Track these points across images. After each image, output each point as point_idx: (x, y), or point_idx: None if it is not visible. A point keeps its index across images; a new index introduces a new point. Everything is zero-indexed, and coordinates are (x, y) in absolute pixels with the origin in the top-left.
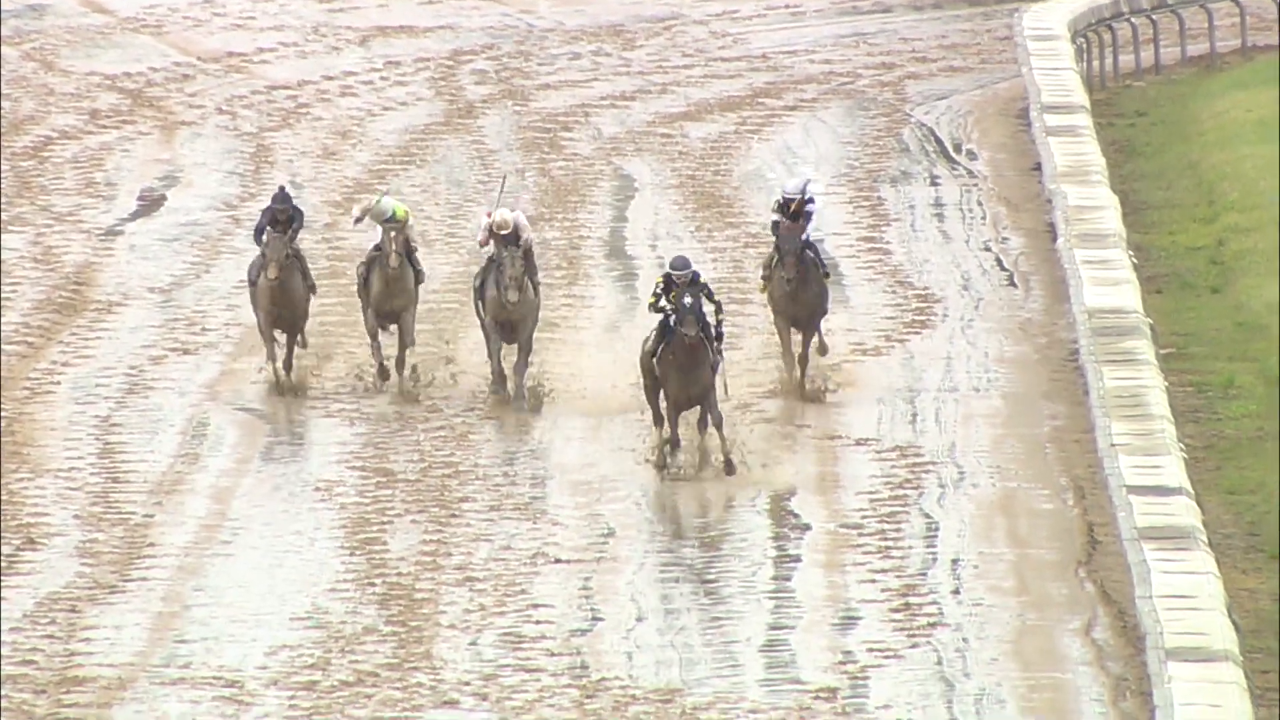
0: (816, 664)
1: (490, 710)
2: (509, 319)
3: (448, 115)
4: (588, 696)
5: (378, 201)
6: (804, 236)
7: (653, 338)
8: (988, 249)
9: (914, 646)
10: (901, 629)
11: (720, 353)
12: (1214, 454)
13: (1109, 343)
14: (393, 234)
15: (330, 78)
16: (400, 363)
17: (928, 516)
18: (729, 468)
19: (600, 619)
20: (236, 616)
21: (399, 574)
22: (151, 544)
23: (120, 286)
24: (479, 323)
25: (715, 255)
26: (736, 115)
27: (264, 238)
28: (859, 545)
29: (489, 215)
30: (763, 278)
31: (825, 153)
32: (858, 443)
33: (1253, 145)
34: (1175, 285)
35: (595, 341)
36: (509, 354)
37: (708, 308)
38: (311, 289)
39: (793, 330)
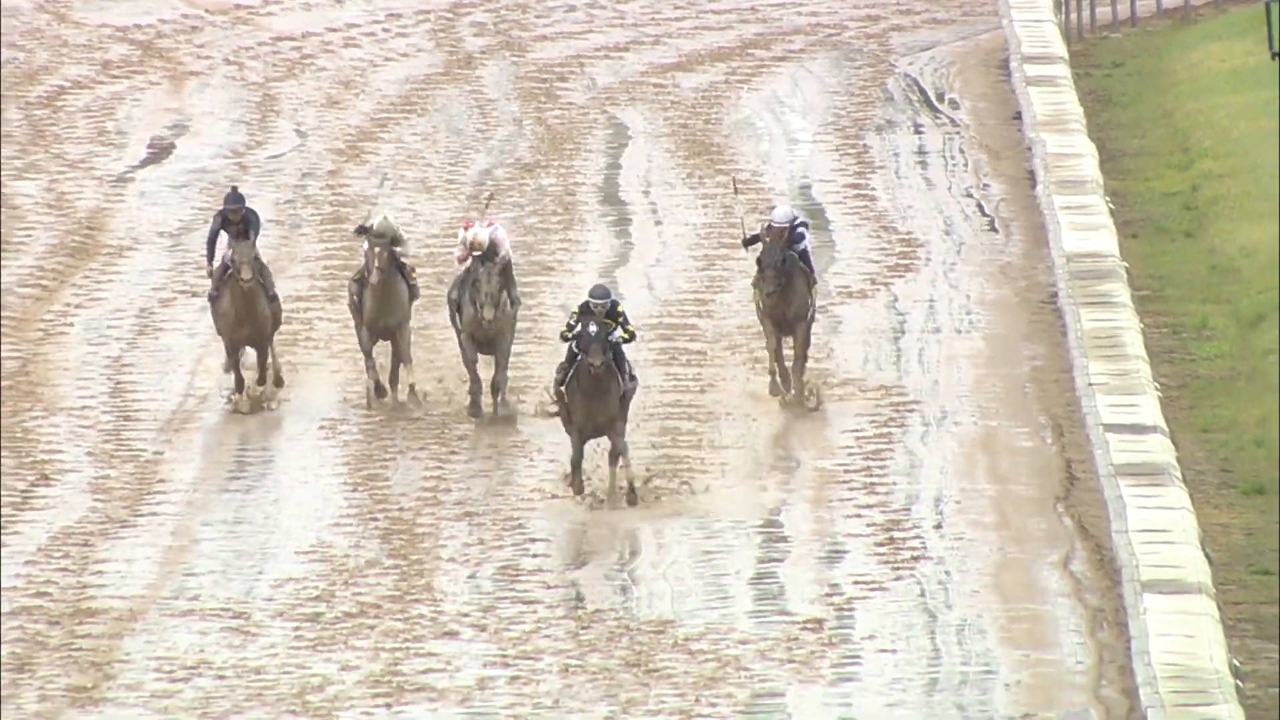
0: (804, 596)
1: (488, 641)
2: (485, 335)
3: (447, 66)
4: (583, 628)
5: (383, 219)
6: (801, 247)
7: (563, 366)
8: (969, 195)
9: (898, 579)
10: (886, 562)
11: (633, 378)
12: (1188, 393)
13: (1087, 285)
14: (377, 249)
15: (334, 30)
16: (395, 378)
17: (911, 454)
18: (631, 497)
19: (595, 553)
20: (243, 550)
21: (400, 509)
22: (161, 480)
23: (131, 231)
24: (455, 334)
25: (706, 201)
26: (726, 66)
27: (227, 244)
28: (845, 482)
29: (466, 228)
30: (753, 284)
31: (812, 102)
32: (843, 383)
33: (1225, 95)
34: (1150, 230)
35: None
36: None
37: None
38: (274, 300)
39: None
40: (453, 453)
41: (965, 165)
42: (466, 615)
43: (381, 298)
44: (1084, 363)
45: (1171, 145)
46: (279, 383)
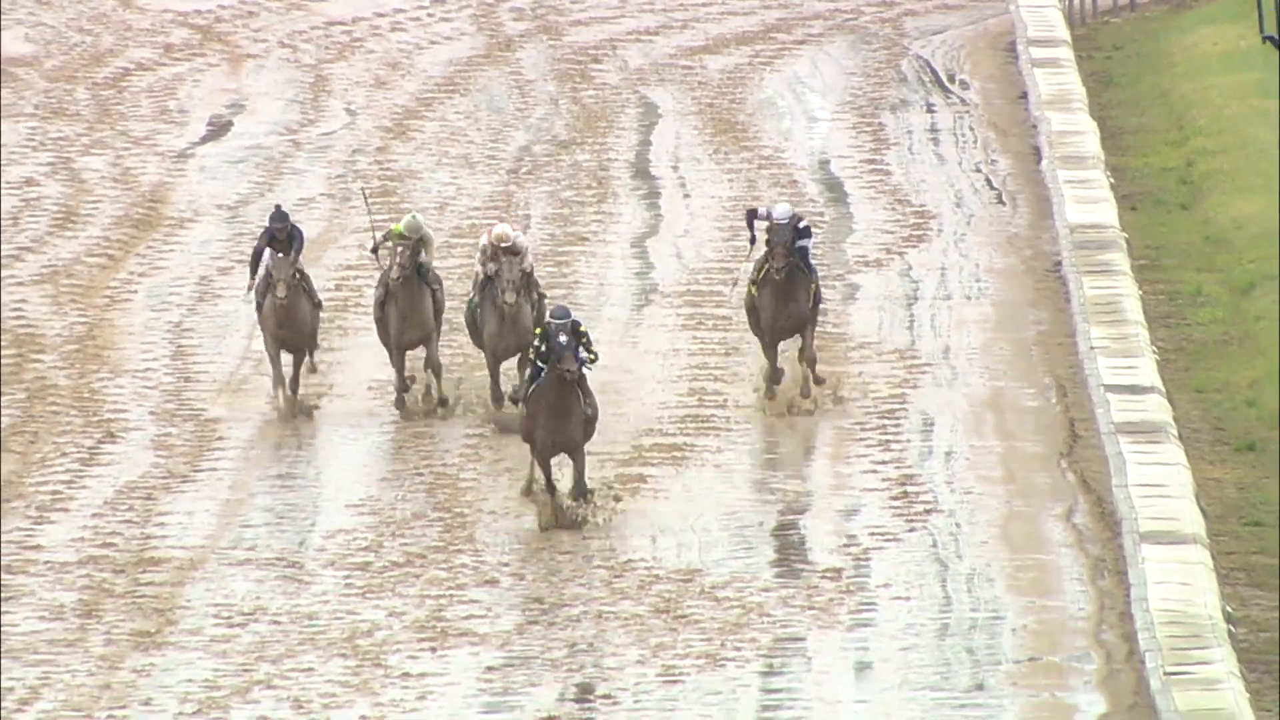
0: (823, 547)
1: (527, 588)
2: (506, 345)
3: (488, 49)
4: (615, 576)
5: (411, 217)
6: (802, 244)
7: (524, 384)
8: (978, 170)
9: (911, 531)
10: (900, 515)
11: (592, 408)
12: (1184, 356)
13: (1088, 255)
14: (400, 248)
15: (382, 15)
16: (434, 380)
17: (924, 413)
18: (580, 523)
19: (626, 508)
20: (296, 503)
21: (444, 465)
22: (220, 438)
23: (191, 204)
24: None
25: (731, 176)
26: (750, 49)
27: (266, 259)
28: (861, 439)
29: (489, 233)
30: (751, 282)
31: (831, 83)
32: (860, 346)
33: (1219, 76)
34: (1148, 203)
35: (621, 254)
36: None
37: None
38: (318, 306)
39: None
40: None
41: (975, 142)
42: (506, 565)
43: (406, 308)
44: (1086, 327)
45: (1168, 123)
46: (313, 369)
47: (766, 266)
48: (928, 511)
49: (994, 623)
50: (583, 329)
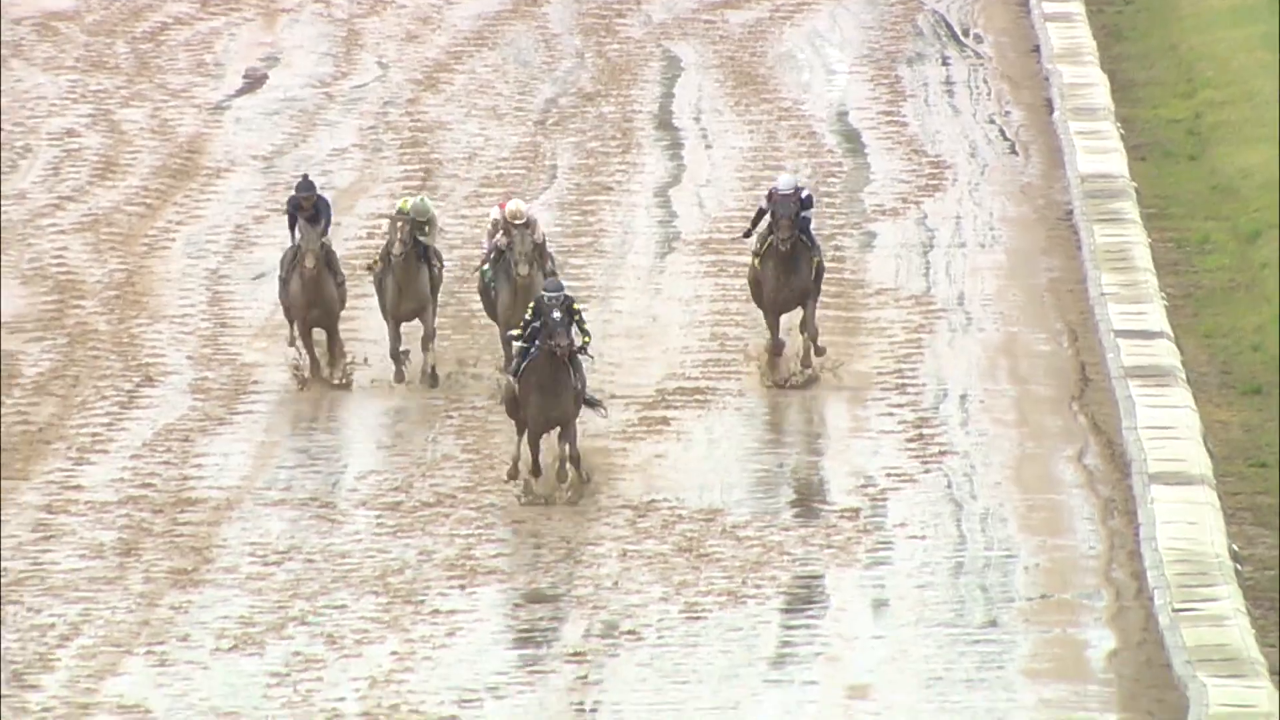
0: (841, 487)
1: (554, 528)
2: (519, 317)
3: (515, 3)
4: (640, 516)
5: (420, 199)
6: (807, 215)
7: (515, 361)
8: (992, 121)
9: (927, 472)
10: (916, 456)
11: (588, 390)
12: (1191, 302)
13: (1099, 204)
14: (400, 224)
15: None
16: (425, 354)
17: (939, 357)
18: (573, 499)
19: (653, 452)
20: (329, 445)
21: (473, 408)
22: (255, 382)
23: (228, 155)
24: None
25: (751, 127)
26: (771, 3)
27: (296, 230)
28: (879, 383)
29: (501, 207)
30: (754, 254)
31: (849, 37)
32: (878, 293)
33: (1227, 29)
34: (1157, 153)
35: (645, 204)
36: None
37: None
38: (341, 284)
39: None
40: None
41: (989, 94)
42: (534, 505)
43: (403, 280)
44: (1097, 274)
45: (1177, 76)
46: (342, 353)
47: (770, 239)
48: (943, 453)
49: (1007, 561)
50: (576, 306)
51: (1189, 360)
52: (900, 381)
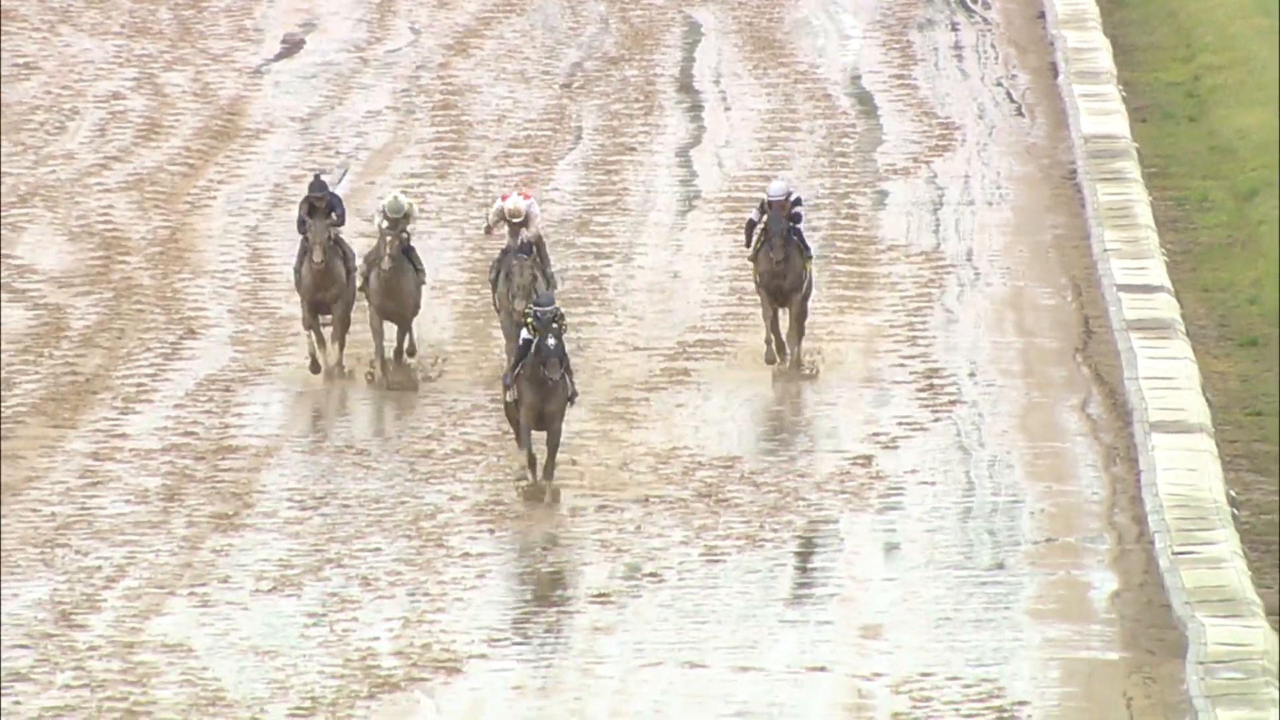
0: (854, 435)
1: (579, 474)
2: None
3: None
4: (662, 463)
5: (394, 199)
6: (799, 213)
7: (511, 360)
8: (1000, 84)
9: (937, 420)
10: (926, 406)
11: (573, 389)
12: (1191, 257)
13: (1102, 163)
14: (389, 238)
15: None
16: (399, 352)
17: (948, 311)
18: (554, 497)
19: (673, 400)
20: (364, 395)
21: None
22: (293, 334)
23: (267, 116)
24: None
25: (769, 90)
26: None
27: (305, 225)
28: (890, 335)
29: (504, 199)
30: (750, 258)
31: (862, 3)
32: (889, 249)
33: None
34: (1158, 115)
35: (666, 164)
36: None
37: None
38: (350, 273)
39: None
40: None
41: (996, 58)
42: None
43: (390, 285)
44: (1099, 231)
45: (1176, 40)
46: (342, 341)
47: (763, 246)
48: (952, 403)
49: (1013, 506)
50: (562, 314)
51: (1188, 313)
52: (911, 334)
